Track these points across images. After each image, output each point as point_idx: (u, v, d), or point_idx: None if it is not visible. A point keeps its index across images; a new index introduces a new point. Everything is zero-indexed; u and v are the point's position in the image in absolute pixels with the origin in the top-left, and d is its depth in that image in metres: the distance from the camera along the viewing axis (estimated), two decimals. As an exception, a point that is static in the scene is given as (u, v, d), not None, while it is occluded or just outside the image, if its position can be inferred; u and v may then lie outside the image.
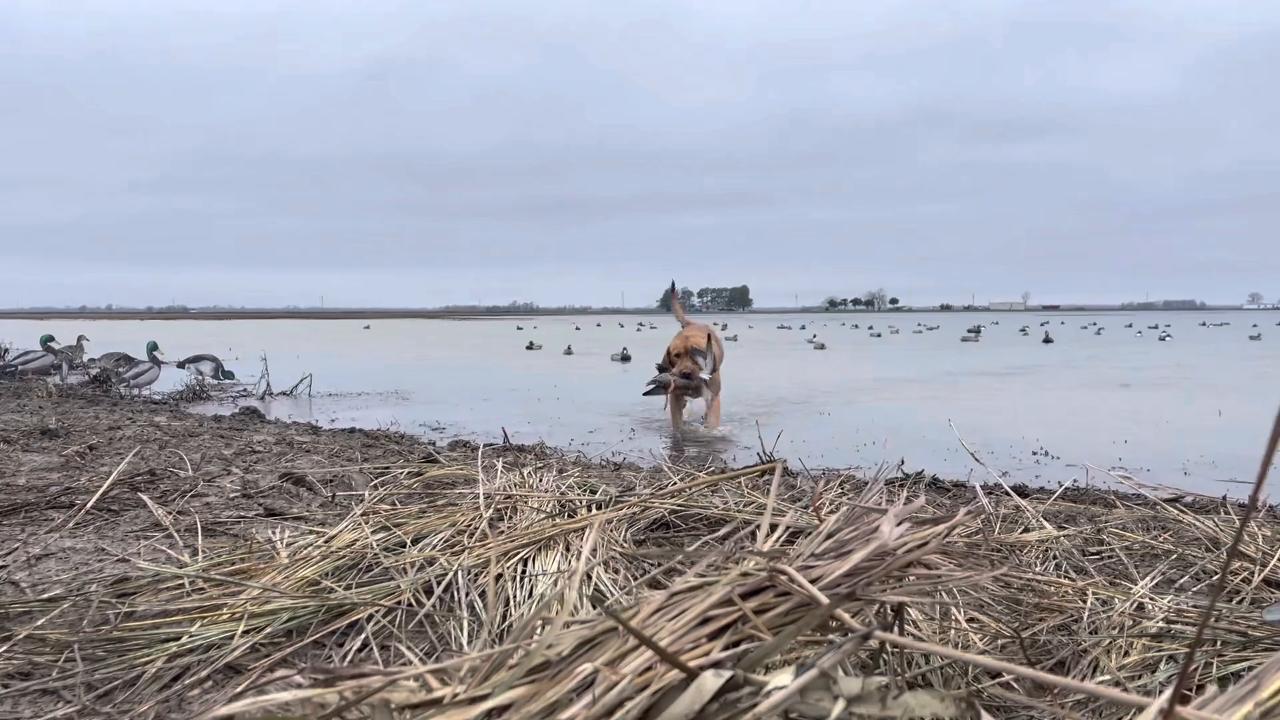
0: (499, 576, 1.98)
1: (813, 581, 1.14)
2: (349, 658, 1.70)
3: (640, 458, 5.07)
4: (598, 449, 5.40)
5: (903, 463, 4.46)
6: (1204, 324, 56.47)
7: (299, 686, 1.07)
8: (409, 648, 1.71)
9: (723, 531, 2.48)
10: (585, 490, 2.79)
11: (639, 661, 0.98)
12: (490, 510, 2.39)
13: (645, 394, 7.46)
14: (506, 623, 1.82)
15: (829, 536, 1.27)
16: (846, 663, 1.01)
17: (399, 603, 1.84)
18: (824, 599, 1.03)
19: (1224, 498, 3.88)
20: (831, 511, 2.84)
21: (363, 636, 1.75)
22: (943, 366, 16.02)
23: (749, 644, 1.07)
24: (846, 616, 0.98)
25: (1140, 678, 1.69)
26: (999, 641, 1.86)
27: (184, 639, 1.67)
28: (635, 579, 2.14)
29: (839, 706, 0.93)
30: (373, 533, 2.20)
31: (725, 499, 2.73)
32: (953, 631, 1.84)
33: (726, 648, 1.04)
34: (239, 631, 1.69)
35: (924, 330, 41.49)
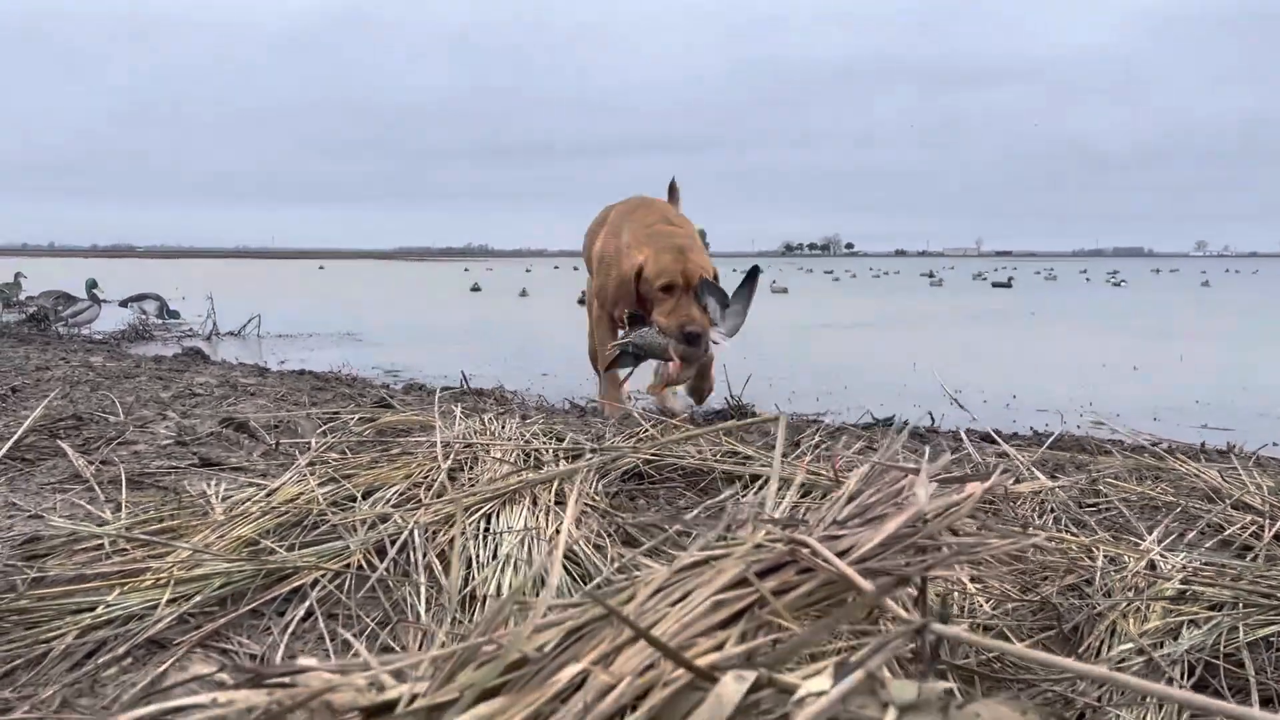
0: (459, 535, 1.79)
1: (841, 554, 0.96)
2: (291, 629, 1.50)
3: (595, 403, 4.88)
4: (559, 393, 5.21)
5: (906, 416, 4.32)
6: (1156, 270, 57.33)
7: (220, 686, 0.88)
8: (359, 616, 1.53)
9: (720, 494, 2.31)
10: (551, 438, 2.60)
11: (639, 659, 0.80)
12: (449, 460, 2.19)
13: (607, 369, 4.24)
14: (469, 588, 1.64)
15: (851, 500, 1.09)
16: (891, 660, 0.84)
17: (348, 565, 1.65)
18: (865, 583, 0.85)
19: (1202, 444, 3.80)
20: (814, 461, 2.68)
21: (307, 604, 1.56)
22: (907, 311, 15.98)
23: (767, 633, 0.89)
24: (894, 604, 0.80)
25: (1163, 645, 1.55)
26: (1009, 605, 1.72)
27: (100, 609, 1.46)
28: (610, 535, 1.97)
29: (890, 717, 0.75)
30: (319, 485, 2.00)
31: (700, 448, 2.56)
32: (957, 594, 1.69)
33: (743, 637, 0.86)
34: (164, 600, 1.48)
35: (881, 275, 41.61)
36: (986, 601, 1.70)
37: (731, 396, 4.55)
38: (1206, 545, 2.04)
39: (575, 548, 1.79)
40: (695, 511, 1.78)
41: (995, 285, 27.53)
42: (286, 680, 0.86)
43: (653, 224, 4.08)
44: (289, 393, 3.85)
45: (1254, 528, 2.12)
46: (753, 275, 4.03)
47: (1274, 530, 2.07)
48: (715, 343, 3.81)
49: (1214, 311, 16.92)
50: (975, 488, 1.13)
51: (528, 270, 44.66)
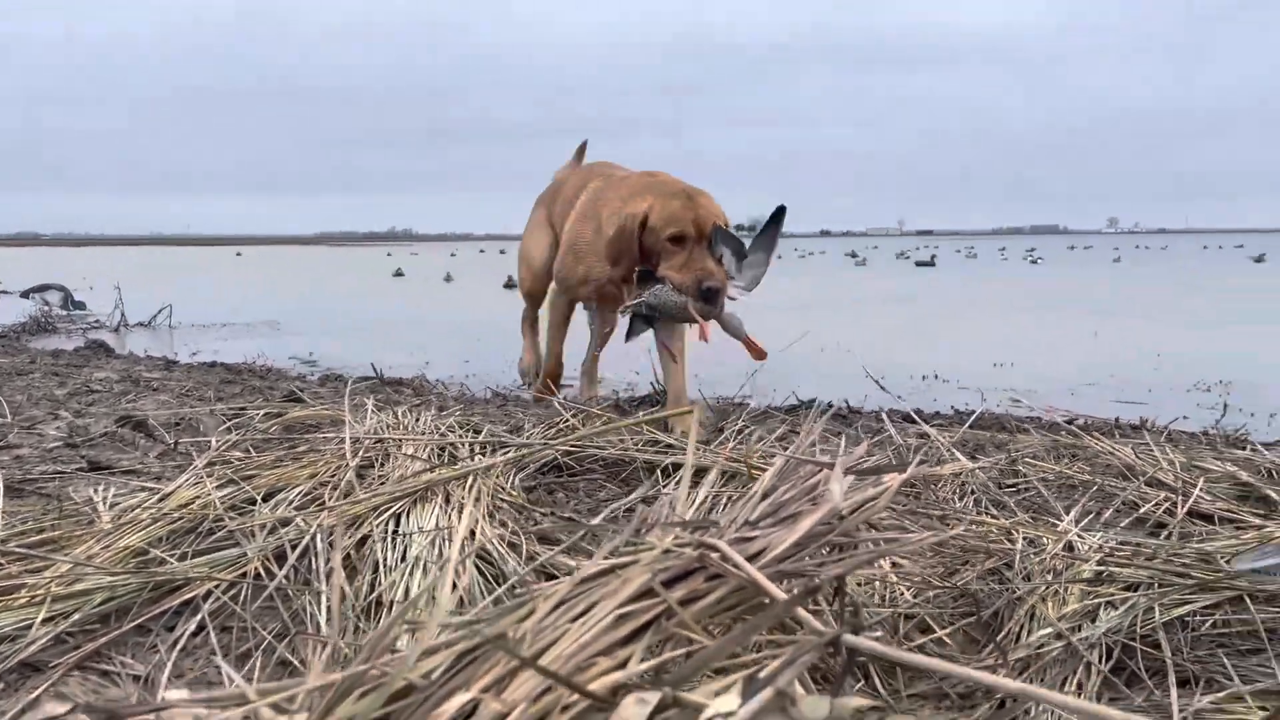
0: (365, 539, 1.71)
1: (754, 557, 0.91)
2: (180, 645, 1.41)
3: (527, 392, 4.80)
4: (483, 381, 5.11)
5: (830, 398, 4.31)
6: (1071, 248, 58.96)
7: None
8: (255, 629, 1.44)
9: (642, 484, 2.26)
10: (468, 431, 2.52)
11: (535, 683, 0.74)
12: (358, 458, 2.10)
13: (629, 337, 3.56)
14: (375, 593, 1.56)
15: (764, 497, 1.04)
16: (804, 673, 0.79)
17: (244, 574, 1.56)
18: (776, 591, 0.80)
19: (1117, 419, 3.87)
20: (736, 447, 2.65)
21: (199, 617, 1.47)
22: (831, 290, 16.14)
23: (675, 646, 0.84)
24: (807, 614, 0.76)
25: (1081, 628, 1.55)
26: (931, 592, 1.70)
27: (-33, 632, 1.35)
28: (525, 532, 1.90)
29: (802, 737, 0.70)
30: (218, 488, 1.89)
31: (623, 437, 2.50)
32: (878, 584, 1.67)
33: (649, 653, 0.81)
34: (39, 619, 1.38)
35: (807, 255, 42.04)
36: (909, 589, 1.68)
37: (657, 381, 4.51)
38: (1122, 524, 2.06)
39: (489, 546, 1.72)
40: (611, 508, 1.72)
41: (919, 264, 28.00)
42: (149, 717, 0.79)
43: (640, 178, 3.58)
44: (196, 387, 3.70)
45: (1167, 504, 2.14)
46: (776, 218, 3.46)
47: (1186, 507, 2.10)
48: (732, 298, 3.27)
49: (1125, 287, 17.42)
50: (892, 480, 1.09)
51: (452, 254, 44.06)
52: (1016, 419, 3.71)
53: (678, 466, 2.33)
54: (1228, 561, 1.58)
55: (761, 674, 0.72)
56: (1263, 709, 1.31)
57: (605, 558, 0.89)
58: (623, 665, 0.78)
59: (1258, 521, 2.04)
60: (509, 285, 16.05)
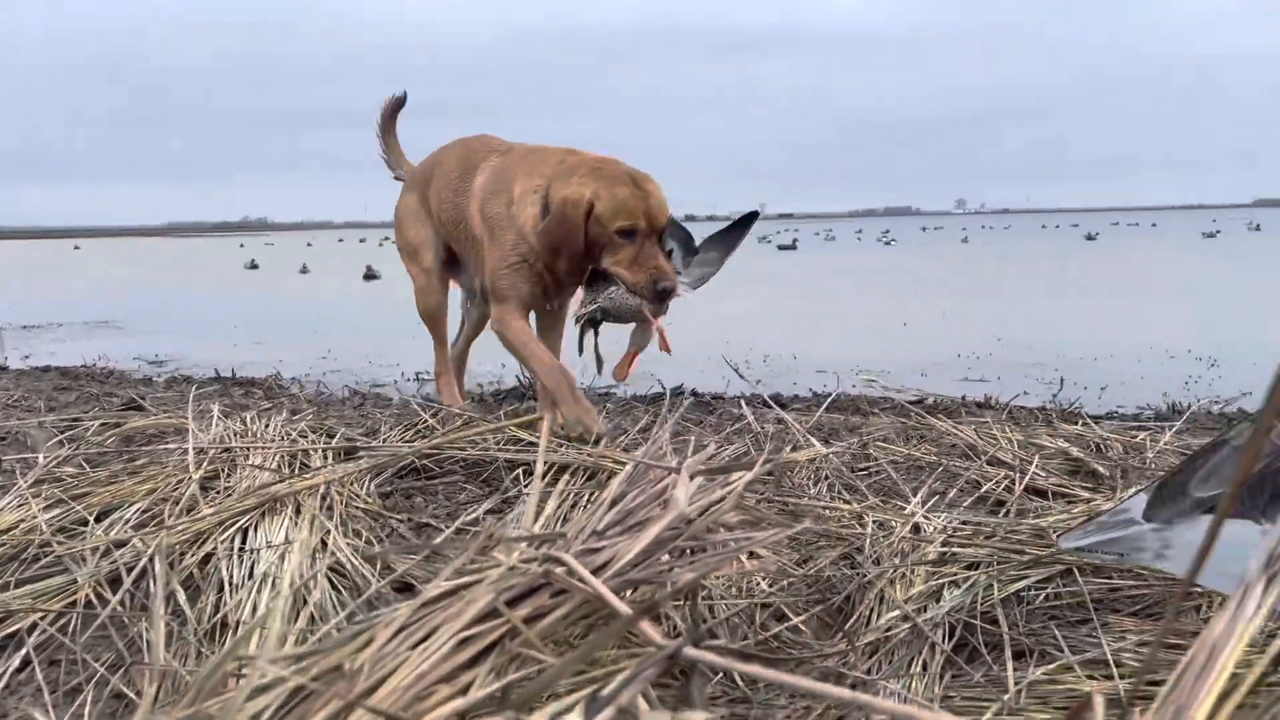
0: (209, 556, 1.63)
1: (600, 569, 0.91)
2: (3, 683, 1.32)
3: (387, 389, 4.69)
4: (342, 378, 4.97)
5: (693, 385, 4.35)
6: (924, 229, 61.40)
7: None
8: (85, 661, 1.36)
9: (504, 484, 2.23)
10: (322, 435, 2.44)
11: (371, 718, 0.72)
12: (201, 469, 2.01)
13: (584, 348, 3.53)
14: (220, 614, 1.50)
15: (614, 504, 1.04)
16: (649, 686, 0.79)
17: (74, 603, 1.47)
18: (620, 605, 0.80)
19: (964, 398, 4.05)
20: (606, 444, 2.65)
21: (23, 652, 1.37)
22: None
23: (519, 667, 0.83)
24: (649, 629, 0.76)
25: (927, 609, 1.61)
26: (786, 580, 1.74)
27: None
28: (382, 541, 1.86)
29: (644, 753, 0.71)
30: (44, 509, 1.77)
31: (485, 436, 2.47)
32: (735, 576, 1.70)
33: (493, 675, 0.80)
34: None
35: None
36: (765, 579, 1.72)
37: (523, 375, 4.48)
38: (965, 503, 2.15)
39: (342, 558, 1.67)
40: (464, 517, 1.70)
41: (781, 248, 28.64)
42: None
43: (565, 155, 3.04)
44: (25, 396, 3.46)
45: (1006, 482, 2.26)
46: (746, 221, 3.32)
47: (1023, 484, 2.22)
48: (675, 295, 2.96)
49: (973, 266, 18.28)
50: (739, 480, 1.11)
51: (309, 244, 42.67)
52: (870, 400, 3.84)
53: (546, 464, 2.32)
54: (1059, 537, 1.67)
55: (604, 692, 0.72)
56: (1090, 678, 1.40)
57: (448, 578, 0.87)
58: (465, 691, 0.77)
59: (1087, 495, 2.18)
60: (369, 276, 15.64)
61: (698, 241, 3.47)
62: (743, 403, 3.32)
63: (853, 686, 1.42)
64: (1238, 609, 0.63)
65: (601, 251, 2.83)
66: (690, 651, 0.73)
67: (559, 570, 0.87)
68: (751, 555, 1.81)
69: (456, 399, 3.54)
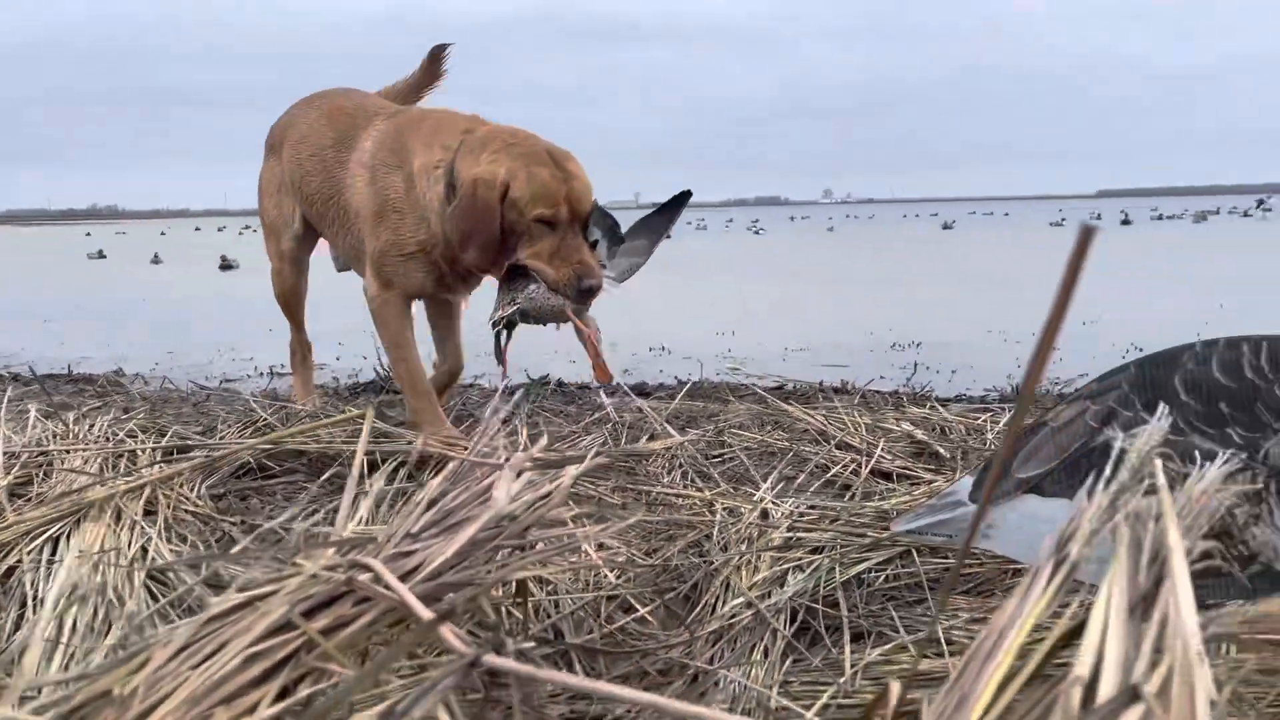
0: (12, 569, 1.51)
1: (410, 574, 0.87)
2: None
3: (239, 384, 4.49)
4: (189, 373, 4.73)
5: (559, 375, 4.30)
6: (792, 218, 62.85)
7: None
8: None
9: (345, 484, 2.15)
10: (153, 434, 2.30)
11: (142, 747, 0.66)
12: (11, 475, 1.87)
13: (501, 355, 2.97)
14: (18, 631, 1.38)
15: (431, 505, 1.00)
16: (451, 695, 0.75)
17: None
18: (423, 611, 0.76)
19: (821, 383, 4.14)
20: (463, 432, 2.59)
21: None
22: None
23: (315, 681, 0.78)
24: (449, 635, 0.72)
25: (770, 595, 1.62)
26: (634, 571, 1.73)
27: None
28: (214, 545, 1.76)
29: (441, 769, 0.67)
30: None
31: (330, 431, 2.37)
32: (583, 572, 1.68)
33: (284, 693, 0.75)
34: None
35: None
36: (611, 571, 1.70)
37: (382, 366, 4.35)
38: (813, 488, 2.19)
39: (165, 565, 1.57)
40: (284, 516, 1.62)
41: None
42: None
43: (470, 123, 2.61)
44: None
45: (854, 466, 2.31)
46: (677, 203, 2.88)
47: (869, 467, 2.27)
48: (609, 287, 2.61)
49: (837, 255, 18.81)
50: (567, 474, 1.08)
51: (162, 233, 40.68)
52: (731, 387, 3.88)
53: (389, 456, 2.25)
54: (892, 521, 1.71)
55: (399, 706, 0.68)
56: (924, 656, 1.43)
57: (241, 589, 0.81)
58: (253, 709, 0.71)
59: (929, 477, 2.24)
60: (225, 266, 14.99)
61: (623, 228, 3.12)
62: (602, 393, 3.30)
63: (695, 677, 1.43)
64: (1026, 593, 0.63)
65: (518, 241, 2.45)
66: (490, 659, 0.70)
67: (364, 577, 0.83)
68: (601, 547, 1.80)
69: (305, 393, 3.26)
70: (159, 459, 2.05)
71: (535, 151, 2.47)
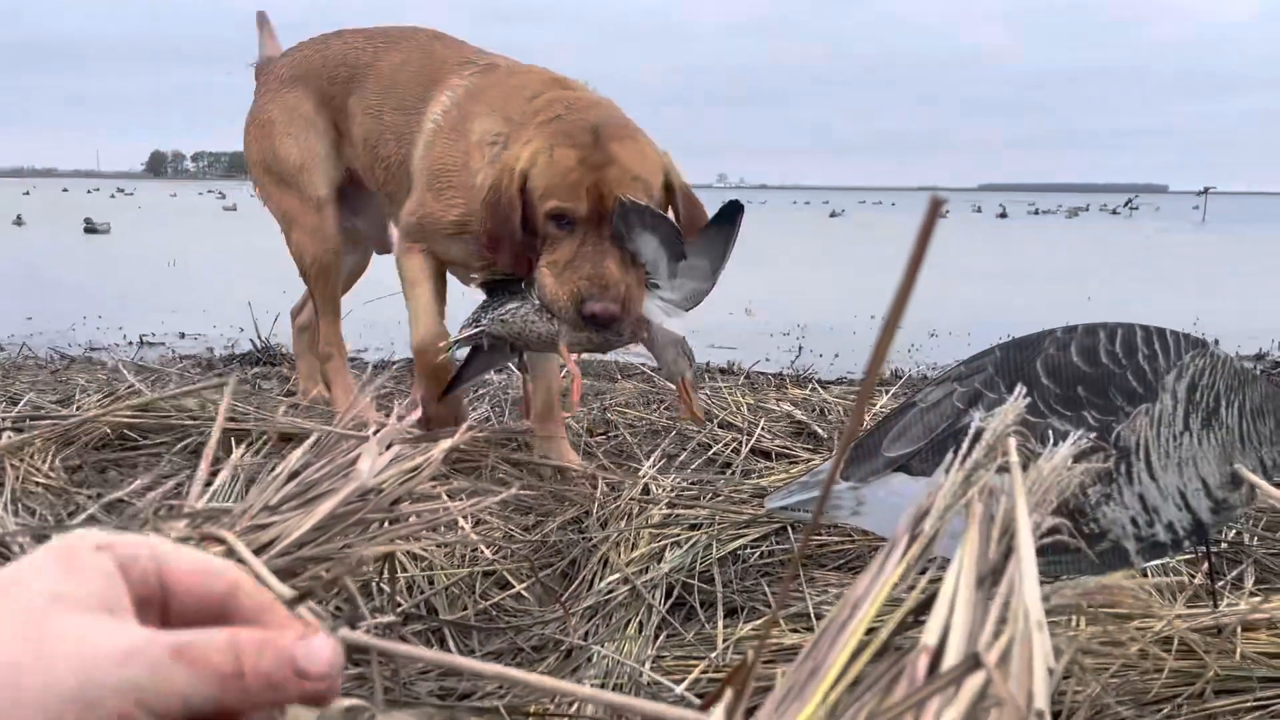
0: None
1: (266, 547, 0.84)
2: None
3: (103, 354, 4.28)
4: (50, 340, 4.48)
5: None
6: (683, 201, 63.28)
7: None
8: None
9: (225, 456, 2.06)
10: (3, 402, 2.17)
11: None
12: None
13: (465, 377, 2.19)
14: None
15: (292, 478, 0.96)
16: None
17: None
18: (280, 587, 0.73)
19: (708, 364, 4.18)
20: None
21: None
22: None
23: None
24: (307, 611, 0.70)
25: (648, 570, 1.63)
26: (512, 547, 1.71)
27: None
28: (64, 517, 1.67)
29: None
30: None
31: (202, 401, 2.28)
32: (459, 548, 1.65)
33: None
34: None
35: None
36: (488, 547, 1.68)
37: (259, 338, 4.20)
38: (694, 465, 2.21)
39: (8, 540, 1.48)
40: (131, 487, 1.54)
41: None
42: None
43: (542, 84, 2.12)
44: None
45: (735, 445, 2.33)
46: (730, 216, 2.09)
47: (749, 445, 2.30)
48: (650, 320, 1.98)
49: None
50: (435, 451, 1.06)
51: (26, 193, 38.40)
52: (620, 367, 3.88)
53: (262, 433, 2.17)
54: (766, 498, 1.74)
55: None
56: (794, 630, 1.46)
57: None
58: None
59: (807, 456, 2.29)
60: (90, 229, 14.24)
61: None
62: (492, 374, 3.26)
63: (569, 653, 1.42)
64: (880, 567, 0.64)
65: (541, 239, 1.94)
66: (346, 634, 0.67)
67: (217, 549, 0.79)
68: (479, 523, 1.77)
69: (350, 392, 2.52)
70: (8, 426, 1.93)
71: (575, 127, 1.93)
